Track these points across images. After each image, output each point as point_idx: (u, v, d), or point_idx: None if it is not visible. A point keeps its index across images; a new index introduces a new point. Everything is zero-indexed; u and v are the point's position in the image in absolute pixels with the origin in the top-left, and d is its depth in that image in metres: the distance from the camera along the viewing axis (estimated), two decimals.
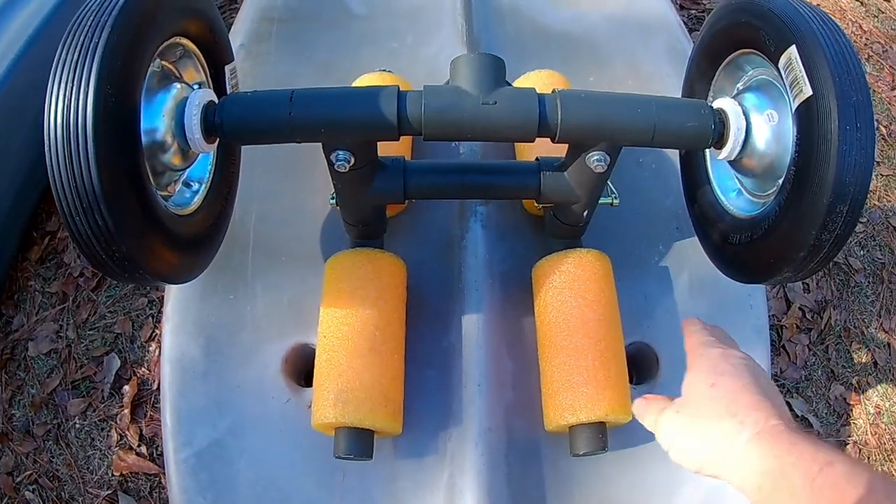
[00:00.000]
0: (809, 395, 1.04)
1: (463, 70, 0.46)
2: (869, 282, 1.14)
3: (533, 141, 0.47)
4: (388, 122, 0.44)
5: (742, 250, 0.51)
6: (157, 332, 0.99)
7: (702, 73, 0.57)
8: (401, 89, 0.45)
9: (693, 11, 1.39)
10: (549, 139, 0.46)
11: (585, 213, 0.56)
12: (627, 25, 0.83)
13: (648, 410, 0.42)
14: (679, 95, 0.63)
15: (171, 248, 0.45)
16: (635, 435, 0.58)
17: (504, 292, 0.58)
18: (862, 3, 1.52)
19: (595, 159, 0.49)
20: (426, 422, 0.54)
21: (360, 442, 0.49)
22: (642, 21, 0.85)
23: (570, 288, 0.54)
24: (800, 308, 1.09)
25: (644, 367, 0.62)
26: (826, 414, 1.04)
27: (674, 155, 0.72)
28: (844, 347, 1.08)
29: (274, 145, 0.65)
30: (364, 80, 0.65)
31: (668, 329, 0.63)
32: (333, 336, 0.51)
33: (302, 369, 0.60)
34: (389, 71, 0.66)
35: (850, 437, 1.02)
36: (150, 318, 1.00)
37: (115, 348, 0.98)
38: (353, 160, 0.46)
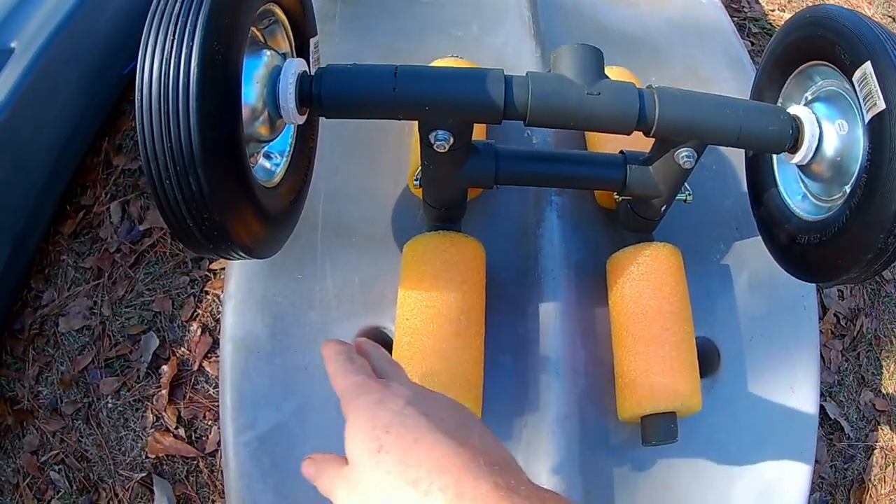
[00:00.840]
0: (841, 400, 1.06)
1: (566, 59, 0.46)
2: None
3: (630, 134, 0.47)
4: (494, 105, 0.44)
5: (810, 251, 0.52)
6: (199, 311, 0.98)
7: (772, 81, 0.58)
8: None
9: (735, 19, 1.41)
10: (626, 134, 0.47)
11: (663, 208, 0.56)
12: (685, 29, 0.84)
13: (320, 477, 0.33)
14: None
15: (259, 220, 0.44)
16: (697, 426, 0.59)
17: (579, 281, 0.58)
18: (894, 19, 1.55)
19: (684, 155, 0.49)
20: (501, 407, 0.54)
21: None
22: (699, 26, 0.86)
23: (648, 280, 0.54)
24: (834, 314, 1.11)
25: (706, 362, 0.62)
26: (856, 419, 1.06)
27: (734, 157, 0.73)
28: (874, 355, 1.10)
29: (341, 125, 0.65)
30: (438, 65, 0.65)
31: (730, 325, 0.64)
32: (416, 319, 0.50)
33: None
34: (461, 58, 0.66)
35: (877, 442, 1.04)
36: (192, 298, 0.98)
37: (153, 327, 0.96)
38: (452, 140, 0.46)
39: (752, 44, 1.40)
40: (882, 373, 1.10)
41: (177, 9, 0.35)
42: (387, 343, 0.56)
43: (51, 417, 0.94)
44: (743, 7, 1.45)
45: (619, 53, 0.79)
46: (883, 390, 1.08)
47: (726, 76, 0.80)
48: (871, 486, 1.01)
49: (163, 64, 0.34)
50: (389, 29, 0.75)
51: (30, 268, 1.02)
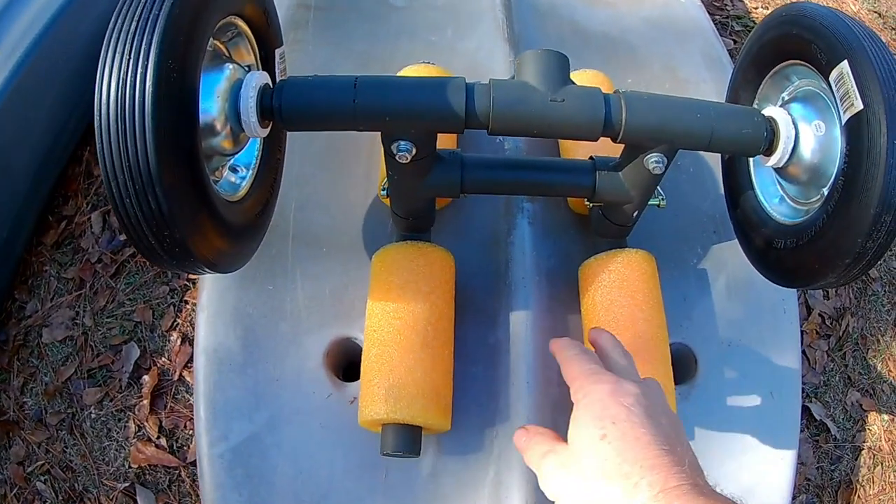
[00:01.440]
0: (827, 401, 1.05)
1: (530, 66, 0.45)
2: (885, 291, 1.16)
3: (596, 140, 0.47)
4: (456, 115, 0.43)
5: (786, 255, 0.52)
6: (179, 321, 0.98)
7: (748, 81, 0.57)
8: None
9: (717, 17, 1.40)
10: (593, 140, 0.46)
11: (635, 214, 0.56)
12: (663, 29, 0.84)
13: (531, 448, 0.36)
14: (716, 100, 0.64)
15: (222, 235, 0.44)
16: None
17: (551, 289, 0.58)
18: (880, 14, 1.55)
19: (654, 161, 0.49)
20: (472, 419, 0.54)
21: (408, 439, 0.48)
22: (678, 26, 0.85)
23: (620, 287, 0.54)
24: (819, 314, 1.10)
25: (682, 368, 0.62)
26: (843, 419, 1.05)
27: (711, 159, 0.72)
28: (861, 354, 1.10)
29: (313, 134, 0.65)
30: (408, 72, 0.64)
31: (707, 330, 0.63)
32: (384, 330, 0.50)
33: (343, 363, 0.59)
34: (433, 63, 0.66)
35: (864, 442, 1.04)
36: (172, 307, 0.98)
37: (134, 337, 0.96)
38: (415, 151, 0.45)
39: (735, 42, 1.39)
40: (869, 372, 1.09)
41: (133, 27, 0.35)
42: (356, 354, 0.56)
43: (36, 428, 0.94)
44: (725, 5, 1.44)
45: (596, 55, 0.78)
46: (870, 390, 1.07)
47: (705, 76, 0.80)
48: (858, 486, 1.01)
49: (119, 83, 0.34)
50: (364, 35, 0.75)
51: (13, 278, 1.02)
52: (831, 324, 1.10)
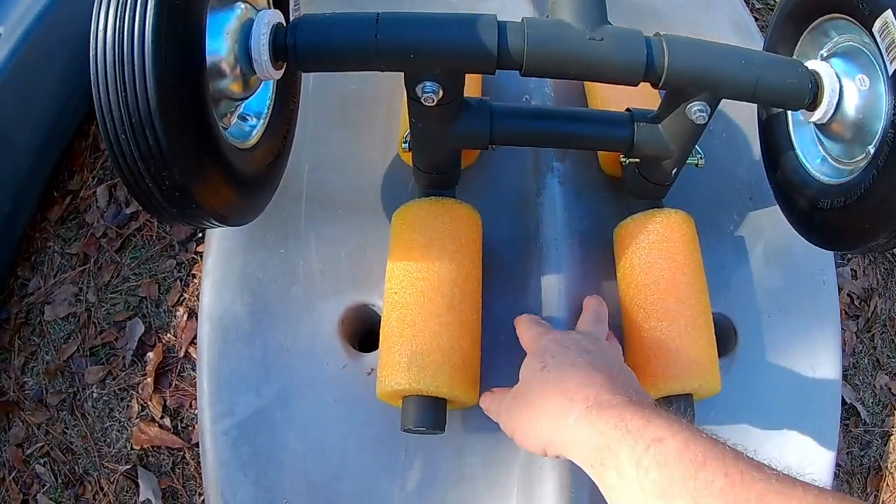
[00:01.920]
0: (857, 384, 1.01)
1: (565, 3, 0.42)
2: None
3: (636, 84, 0.44)
4: (487, 52, 0.40)
5: (833, 216, 0.49)
6: (186, 296, 0.94)
7: (785, 38, 0.55)
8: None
9: None
10: (633, 84, 0.43)
11: (674, 172, 0.52)
12: None
13: (493, 400, 0.43)
14: None
15: (227, 181, 0.40)
16: (715, 408, 0.55)
17: (583, 253, 0.54)
18: None
19: (697, 109, 0.46)
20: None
21: (432, 412, 0.44)
22: None
23: (659, 249, 0.50)
24: (848, 294, 1.06)
25: (723, 340, 0.58)
26: (872, 403, 1.01)
27: (744, 123, 0.69)
28: (889, 337, 1.06)
29: (327, 91, 0.61)
30: None
31: (746, 300, 0.60)
32: (406, 292, 0.46)
33: (360, 332, 0.56)
34: None
35: (893, 427, 1.00)
36: (178, 282, 0.94)
37: (138, 313, 0.93)
38: (441, 93, 0.42)
39: (756, 20, 1.35)
40: None
41: None
42: (374, 322, 0.52)
43: (36, 409, 0.91)
44: None
45: (622, 20, 0.73)
46: None
47: (733, 42, 0.76)
48: (887, 473, 0.97)
49: (119, 8, 0.32)
50: None
51: (16, 255, 0.99)
52: (860, 304, 1.07)
